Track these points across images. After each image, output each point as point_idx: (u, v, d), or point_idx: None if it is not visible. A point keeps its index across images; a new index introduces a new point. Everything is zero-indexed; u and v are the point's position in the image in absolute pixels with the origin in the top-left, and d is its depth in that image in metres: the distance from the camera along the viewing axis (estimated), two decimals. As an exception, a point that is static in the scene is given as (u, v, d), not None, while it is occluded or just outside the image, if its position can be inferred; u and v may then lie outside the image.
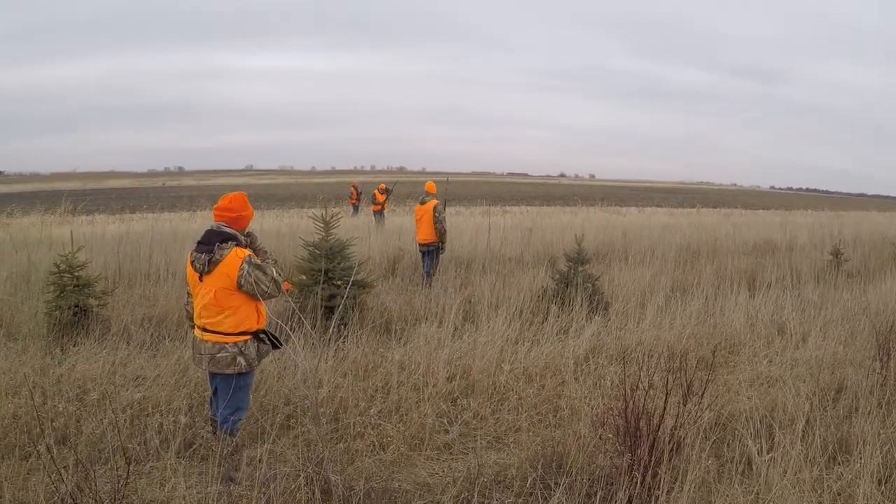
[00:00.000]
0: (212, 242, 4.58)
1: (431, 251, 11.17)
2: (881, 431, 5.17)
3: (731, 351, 7.67)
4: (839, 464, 4.84)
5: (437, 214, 10.94)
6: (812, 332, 7.88)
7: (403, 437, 5.27)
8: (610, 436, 4.74)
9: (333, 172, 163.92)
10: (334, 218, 8.49)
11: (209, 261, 4.54)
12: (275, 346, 4.91)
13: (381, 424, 5.42)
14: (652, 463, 4.22)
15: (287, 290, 5.02)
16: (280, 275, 4.75)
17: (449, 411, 5.75)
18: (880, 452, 4.60)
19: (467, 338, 7.10)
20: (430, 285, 10.34)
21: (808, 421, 5.16)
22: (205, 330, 4.65)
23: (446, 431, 5.49)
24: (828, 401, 6.03)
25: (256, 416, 5.36)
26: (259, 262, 4.63)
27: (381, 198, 21.62)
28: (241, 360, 4.62)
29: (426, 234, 11.14)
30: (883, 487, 4.34)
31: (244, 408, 4.87)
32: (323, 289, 7.89)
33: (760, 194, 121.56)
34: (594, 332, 7.55)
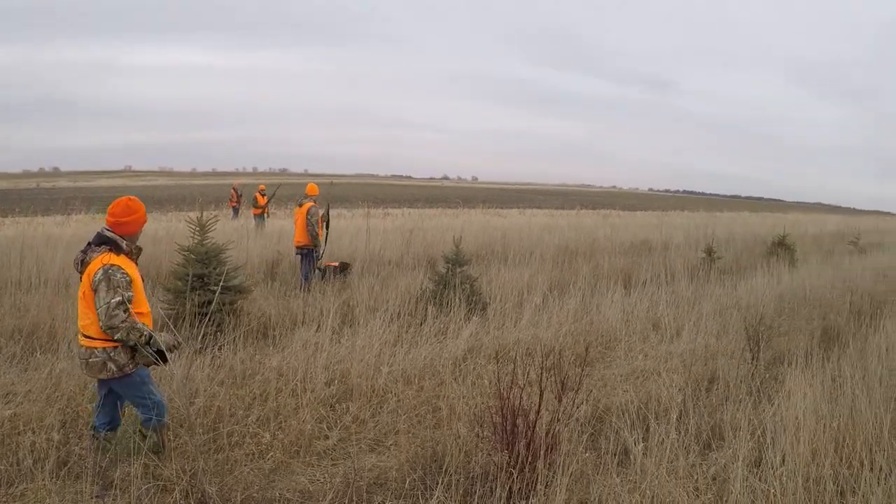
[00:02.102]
0: (91, 244, 4.58)
1: (308, 254, 11.06)
2: (752, 417, 5.44)
3: (607, 347, 7.94)
4: (713, 450, 5.09)
5: (309, 217, 10.86)
6: (686, 326, 8.26)
7: (282, 445, 5.17)
8: (488, 434, 4.80)
9: (214, 174, 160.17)
10: (210, 221, 8.26)
11: (81, 262, 4.57)
12: (159, 361, 4.71)
13: (259, 433, 5.31)
14: (529, 458, 4.29)
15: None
16: (123, 312, 4.47)
17: (328, 416, 5.69)
18: (751, 437, 4.85)
19: (346, 342, 7.05)
20: (308, 289, 10.22)
21: (682, 410, 5.41)
22: (81, 334, 4.62)
23: (326, 437, 5.42)
24: (701, 391, 6.34)
25: (130, 432, 5.15)
26: (119, 278, 4.47)
27: (261, 200, 21.18)
28: (111, 365, 4.54)
29: (301, 237, 11.05)
30: (756, 470, 4.55)
31: (153, 403, 4.75)
32: (198, 295, 7.66)
33: (639, 196, 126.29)
34: (472, 333, 7.65)
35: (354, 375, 6.31)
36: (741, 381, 6.46)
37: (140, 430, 4.80)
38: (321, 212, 11.32)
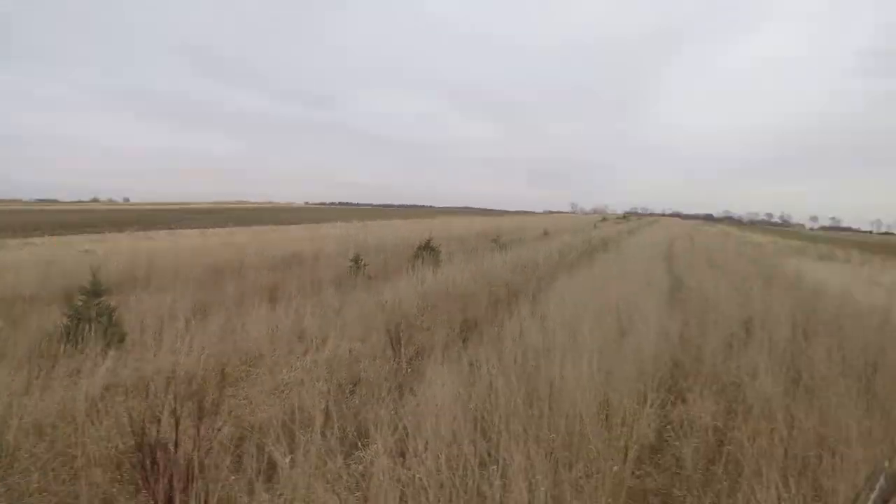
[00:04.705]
0: None
1: None
2: (396, 412, 5.76)
3: (252, 364, 7.88)
4: (360, 449, 5.28)
5: None
6: (331, 334, 8.47)
7: None
8: (127, 477, 4.62)
9: None
10: None
11: None
12: None
13: None
14: (176, 491, 4.21)
15: None
16: None
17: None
18: (395, 431, 5.15)
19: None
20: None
21: (327, 417, 5.57)
22: None
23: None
24: (345, 394, 6.56)
25: None
26: None
27: None
28: None
29: None
30: (402, 460, 4.82)
31: None
32: None
33: (295, 210, 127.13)
34: (109, 368, 7.23)
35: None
36: (384, 380, 6.80)
37: None
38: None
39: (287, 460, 4.71)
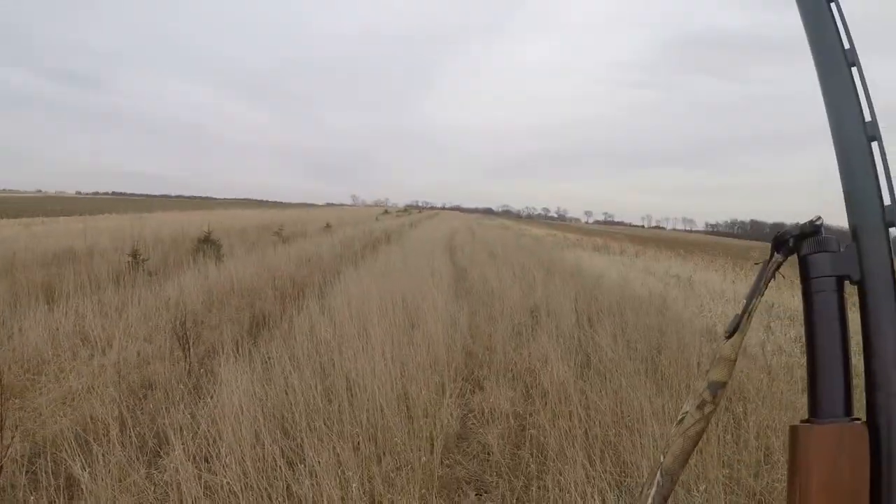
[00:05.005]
0: None
1: None
2: (193, 414, 5.53)
3: (37, 372, 7.28)
4: (162, 456, 5.03)
5: None
6: (116, 334, 7.98)
7: None
8: None
9: None
10: None
11: None
12: None
13: None
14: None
15: None
16: None
17: None
18: (194, 436, 4.96)
19: None
20: None
21: (122, 424, 5.26)
22: None
23: None
24: (139, 399, 6.21)
25: None
26: None
27: None
28: None
29: None
30: (208, 465, 4.62)
31: None
32: None
33: (66, 200, 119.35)
34: None
35: None
36: (178, 382, 6.51)
37: None
38: None
39: (87, 474, 4.38)
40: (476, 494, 4.81)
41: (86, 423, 5.60)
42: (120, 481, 4.40)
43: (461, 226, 55.41)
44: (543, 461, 5.01)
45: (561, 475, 4.47)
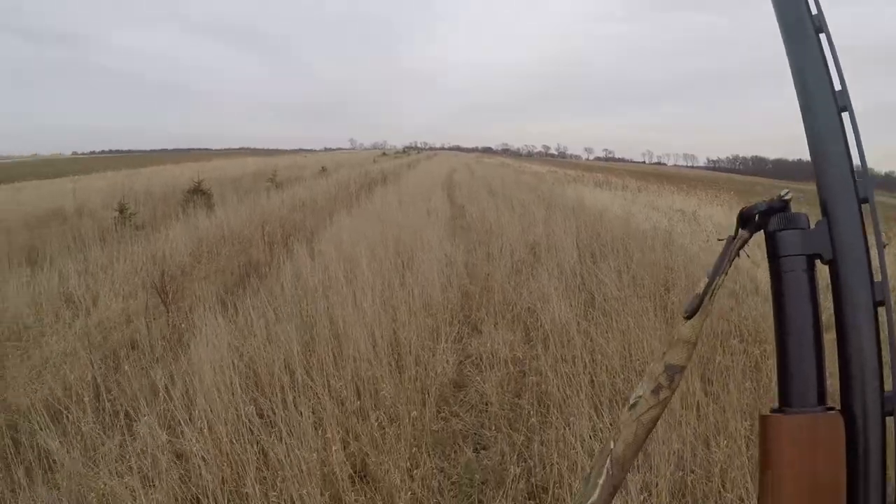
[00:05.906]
0: None
1: None
2: (171, 375, 5.23)
3: (17, 339, 6.93)
4: (137, 421, 4.73)
5: None
6: (101, 293, 7.71)
7: None
8: None
9: None
10: None
11: None
12: None
13: None
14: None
15: None
16: None
17: None
18: (170, 400, 4.63)
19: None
20: None
21: (96, 391, 5.04)
22: None
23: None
24: (119, 360, 5.86)
25: None
26: None
27: None
28: None
29: None
30: (181, 429, 4.35)
31: None
32: None
33: (61, 161, 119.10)
34: None
35: None
36: (159, 339, 6.21)
37: None
38: None
39: (56, 445, 4.09)
40: (473, 451, 4.46)
41: (63, 391, 5.29)
42: (95, 451, 4.14)
43: (460, 164, 55.14)
44: (546, 413, 4.67)
45: (567, 427, 4.13)
